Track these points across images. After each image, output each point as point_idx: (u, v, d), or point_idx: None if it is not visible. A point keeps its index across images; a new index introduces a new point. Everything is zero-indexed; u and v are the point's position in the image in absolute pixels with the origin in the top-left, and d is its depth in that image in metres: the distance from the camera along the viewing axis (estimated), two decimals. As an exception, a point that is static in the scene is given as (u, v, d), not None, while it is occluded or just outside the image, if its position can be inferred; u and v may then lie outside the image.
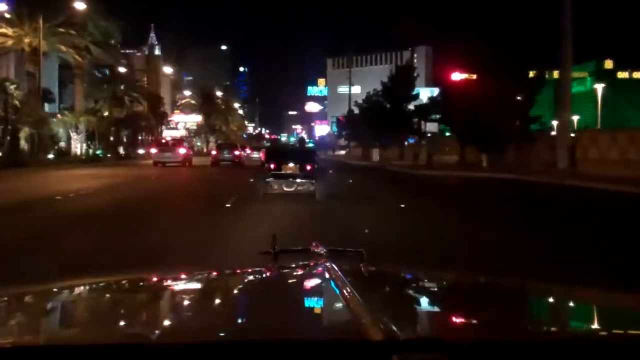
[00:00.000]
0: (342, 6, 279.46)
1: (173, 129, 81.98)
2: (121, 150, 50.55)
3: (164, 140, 40.98)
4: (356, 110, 74.63)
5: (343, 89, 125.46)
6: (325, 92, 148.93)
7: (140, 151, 59.77)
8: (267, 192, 13.61)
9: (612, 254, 7.45)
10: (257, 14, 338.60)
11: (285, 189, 13.69)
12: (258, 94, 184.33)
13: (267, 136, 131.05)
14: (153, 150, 36.01)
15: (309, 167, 13.98)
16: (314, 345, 1.10)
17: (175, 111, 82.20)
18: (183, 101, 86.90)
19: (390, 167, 37.30)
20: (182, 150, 34.60)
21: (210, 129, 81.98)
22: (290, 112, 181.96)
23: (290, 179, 13.79)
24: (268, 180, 13.83)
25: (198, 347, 1.08)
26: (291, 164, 14.03)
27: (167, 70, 64.62)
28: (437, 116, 37.53)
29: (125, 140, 57.98)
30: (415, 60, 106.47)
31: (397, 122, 53.59)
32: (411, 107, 56.77)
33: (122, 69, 53.01)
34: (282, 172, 13.92)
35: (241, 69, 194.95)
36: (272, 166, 14.03)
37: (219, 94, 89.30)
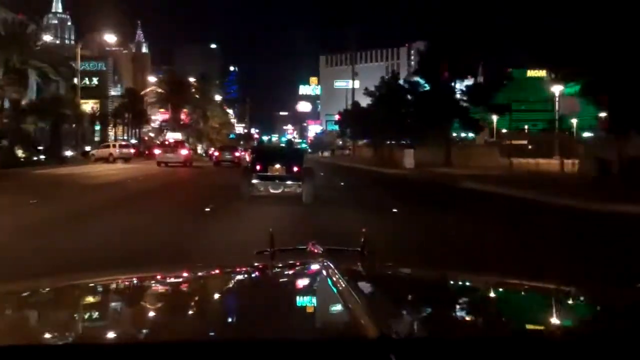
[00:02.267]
0: (335, 4, 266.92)
1: (156, 128, 74.62)
2: (20, 153, 32.39)
3: (167, 142, 42.40)
4: (364, 103, 60.69)
5: (340, 84, 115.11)
6: (317, 91, 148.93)
7: (69, 153, 42.06)
8: (253, 194, 13.38)
9: None
10: (247, 13, 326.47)
11: (271, 190, 13.52)
12: (249, 94, 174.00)
13: (256, 136, 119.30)
14: (157, 152, 37.77)
15: (296, 169, 13.59)
16: (311, 344, 1.10)
17: (161, 110, 71.86)
18: (147, 90, 68.88)
19: (484, 187, 19.44)
20: (183, 152, 36.17)
21: (177, 123, 63.90)
22: (281, 113, 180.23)
23: (277, 181, 13.56)
24: (254, 181, 13.55)
25: (195, 346, 1.07)
26: (277, 166, 13.68)
27: (110, 39, 46.40)
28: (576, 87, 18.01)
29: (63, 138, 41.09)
30: (412, 57, 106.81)
31: (445, 110, 35.98)
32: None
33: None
34: (268, 173, 13.62)
35: (231, 68, 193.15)
36: (258, 167, 13.70)
37: (192, 80, 70.86)
